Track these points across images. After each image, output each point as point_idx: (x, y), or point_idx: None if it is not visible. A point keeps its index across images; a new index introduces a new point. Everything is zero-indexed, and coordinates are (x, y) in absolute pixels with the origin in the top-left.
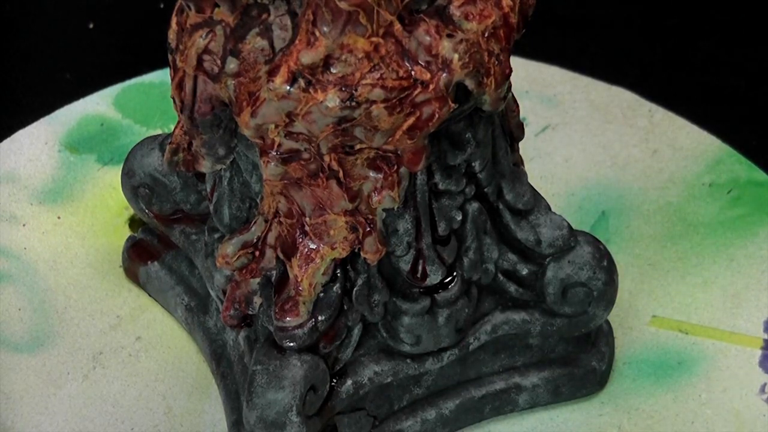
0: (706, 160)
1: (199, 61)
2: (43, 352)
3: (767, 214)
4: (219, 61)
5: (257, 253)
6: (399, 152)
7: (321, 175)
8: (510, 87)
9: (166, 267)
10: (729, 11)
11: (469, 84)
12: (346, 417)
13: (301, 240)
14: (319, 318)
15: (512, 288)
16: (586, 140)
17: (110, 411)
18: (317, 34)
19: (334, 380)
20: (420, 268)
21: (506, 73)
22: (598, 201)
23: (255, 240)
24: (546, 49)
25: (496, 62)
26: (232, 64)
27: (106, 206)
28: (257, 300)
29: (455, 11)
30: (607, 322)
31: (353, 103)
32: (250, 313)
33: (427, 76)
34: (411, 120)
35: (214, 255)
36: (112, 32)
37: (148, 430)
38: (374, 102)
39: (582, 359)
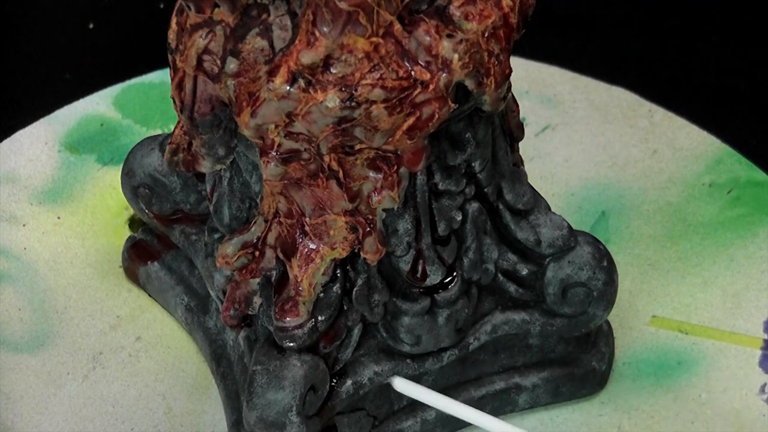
0: (706, 160)
1: (199, 61)
2: (43, 352)
3: (767, 214)
4: (219, 61)
5: (257, 253)
6: (399, 152)
7: (321, 175)
8: (510, 87)
9: (166, 267)
10: (729, 11)
11: (469, 84)
12: (346, 417)
13: (301, 240)
14: (319, 318)
15: (512, 288)
16: (586, 140)
17: (110, 411)
18: (317, 34)
19: (334, 380)
20: (420, 268)
21: (506, 73)
22: (598, 201)
23: (255, 240)
24: (546, 49)
25: (496, 62)
26: (232, 64)
27: (106, 206)
28: (257, 300)
29: (455, 11)
30: (607, 322)
31: (353, 104)
32: (250, 313)
33: (427, 76)
34: (411, 120)
35: (214, 255)
36: (112, 32)
37: (148, 430)
38: (374, 102)
39: (582, 359)
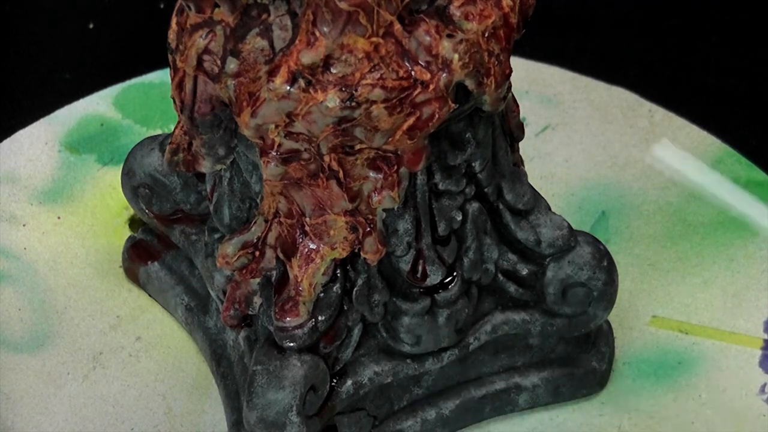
0: (706, 160)
1: (199, 61)
2: (43, 352)
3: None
4: (219, 61)
5: (257, 253)
6: (399, 152)
7: (321, 175)
8: (510, 87)
9: (166, 267)
10: (729, 11)
11: (469, 84)
12: (346, 417)
13: (301, 240)
14: (319, 318)
15: (512, 288)
16: (586, 140)
17: (110, 411)
18: (317, 34)
19: (334, 380)
20: (420, 268)
21: (506, 73)
22: (598, 201)
23: (255, 240)
24: (546, 49)
25: (496, 62)
26: (232, 64)
27: (106, 206)
28: (257, 300)
29: (455, 11)
30: (607, 322)
31: (353, 104)
32: (250, 313)
33: (427, 76)
34: (411, 120)
35: (214, 255)
36: (112, 32)
37: (148, 430)
38: (374, 102)
39: (582, 359)
